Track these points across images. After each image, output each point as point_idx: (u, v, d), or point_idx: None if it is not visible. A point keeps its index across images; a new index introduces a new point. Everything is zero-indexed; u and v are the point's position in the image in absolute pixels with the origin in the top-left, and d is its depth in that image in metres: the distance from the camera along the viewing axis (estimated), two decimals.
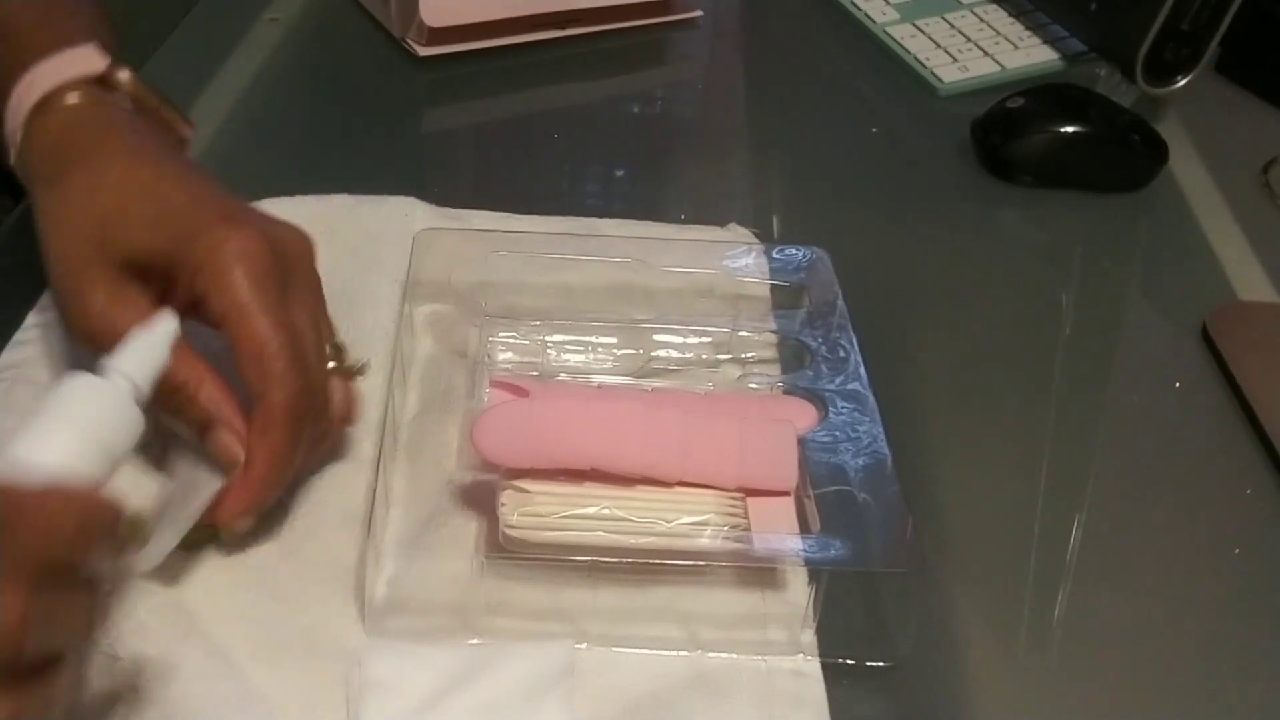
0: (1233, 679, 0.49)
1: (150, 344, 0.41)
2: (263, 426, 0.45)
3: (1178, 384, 0.63)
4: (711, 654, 0.47)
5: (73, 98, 0.50)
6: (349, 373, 0.51)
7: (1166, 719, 0.48)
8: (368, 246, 0.62)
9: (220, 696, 0.43)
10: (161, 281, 0.47)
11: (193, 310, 0.46)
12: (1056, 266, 0.71)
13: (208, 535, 0.47)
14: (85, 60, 0.51)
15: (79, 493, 0.37)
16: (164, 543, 0.46)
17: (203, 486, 0.46)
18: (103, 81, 0.51)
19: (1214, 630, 0.51)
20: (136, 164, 0.49)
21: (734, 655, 0.47)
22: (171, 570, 0.47)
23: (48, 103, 0.50)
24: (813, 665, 0.47)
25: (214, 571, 0.48)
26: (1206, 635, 0.51)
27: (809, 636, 0.47)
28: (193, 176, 0.49)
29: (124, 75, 0.52)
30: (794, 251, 0.61)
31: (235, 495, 0.46)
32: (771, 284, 0.61)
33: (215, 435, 0.46)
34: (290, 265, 0.47)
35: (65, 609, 0.35)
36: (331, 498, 0.51)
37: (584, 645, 0.46)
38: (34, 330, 0.55)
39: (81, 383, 0.39)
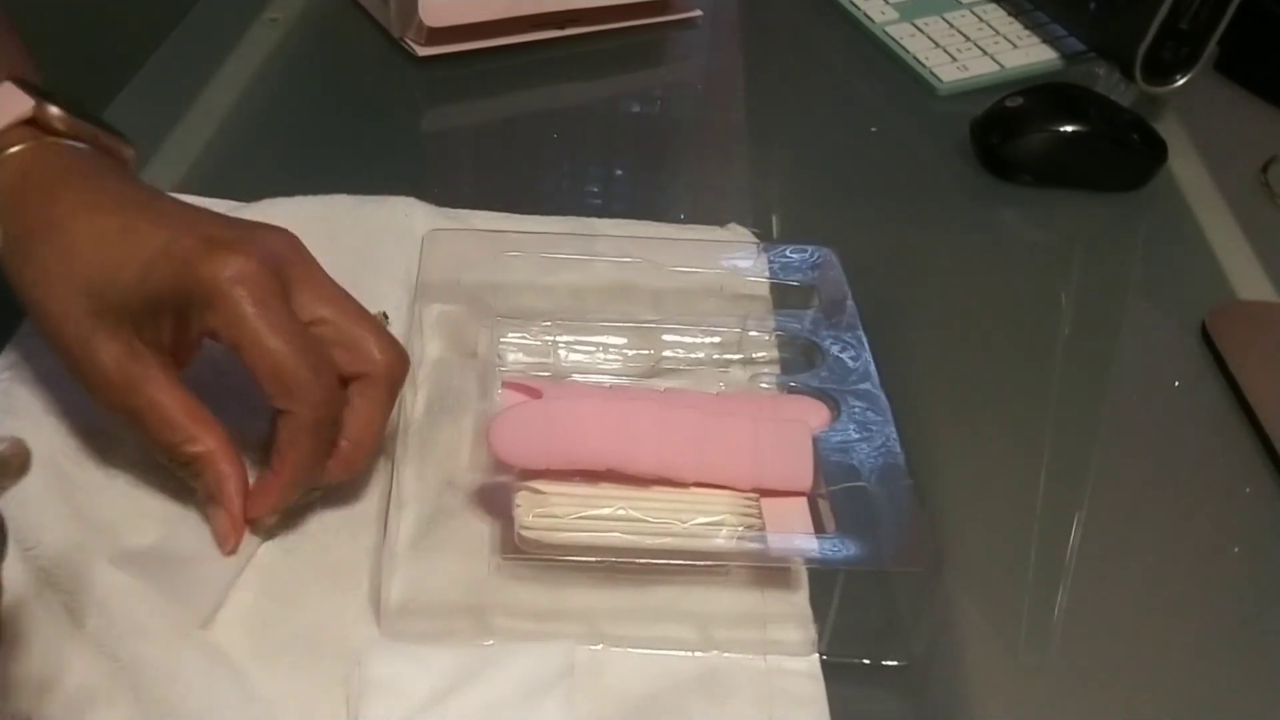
0: (1235, 678, 0.50)
1: None
2: (290, 438, 0.46)
3: (1177, 384, 0.64)
4: (726, 654, 0.47)
5: (10, 149, 0.49)
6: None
7: (1171, 718, 0.48)
8: (368, 247, 0.62)
9: (220, 697, 0.43)
10: (170, 320, 0.46)
11: (211, 337, 0.46)
12: (1056, 266, 0.71)
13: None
14: (10, 101, 0.49)
15: None
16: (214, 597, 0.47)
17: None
18: (34, 120, 0.49)
19: (1215, 630, 0.51)
20: (100, 214, 0.47)
21: (747, 655, 0.47)
22: None
23: None
24: (819, 665, 0.47)
25: None
26: (1207, 635, 0.51)
27: (823, 636, 0.47)
28: (159, 208, 0.48)
29: (54, 110, 0.49)
30: (802, 251, 0.61)
31: (263, 497, 0.48)
32: (780, 284, 0.60)
33: (212, 512, 0.48)
34: (286, 270, 0.47)
35: None
36: (333, 499, 0.50)
37: (599, 646, 0.46)
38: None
39: None
